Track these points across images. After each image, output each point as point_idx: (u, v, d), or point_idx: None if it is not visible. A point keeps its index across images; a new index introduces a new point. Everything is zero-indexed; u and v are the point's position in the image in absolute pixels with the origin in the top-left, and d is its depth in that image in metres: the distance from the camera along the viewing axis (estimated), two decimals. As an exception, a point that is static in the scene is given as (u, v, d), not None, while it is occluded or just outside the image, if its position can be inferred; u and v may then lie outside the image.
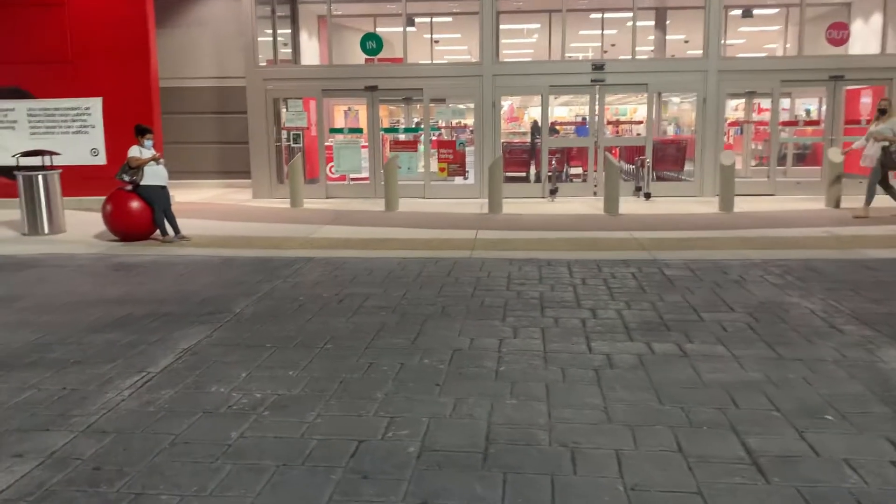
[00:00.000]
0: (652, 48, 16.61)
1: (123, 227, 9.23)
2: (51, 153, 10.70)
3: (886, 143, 10.38)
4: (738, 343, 4.82)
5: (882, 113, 10.68)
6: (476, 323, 5.37)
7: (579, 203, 12.91)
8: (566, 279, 6.82)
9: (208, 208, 12.69)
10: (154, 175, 9.22)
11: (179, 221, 9.49)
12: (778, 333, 5.01)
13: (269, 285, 6.71)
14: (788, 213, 11.36)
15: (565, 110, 27.90)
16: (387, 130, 15.25)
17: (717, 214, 11.33)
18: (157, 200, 9.20)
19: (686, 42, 22.91)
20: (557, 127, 23.59)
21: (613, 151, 14.65)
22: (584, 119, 27.04)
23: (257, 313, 5.72)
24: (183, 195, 14.63)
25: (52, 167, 10.32)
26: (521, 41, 21.30)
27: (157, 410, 3.81)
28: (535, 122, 23.80)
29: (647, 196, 13.11)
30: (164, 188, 9.34)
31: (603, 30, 15.97)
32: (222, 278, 7.07)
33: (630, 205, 12.34)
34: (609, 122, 19.91)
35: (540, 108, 27.68)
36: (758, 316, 5.48)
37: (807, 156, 17.25)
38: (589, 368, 4.37)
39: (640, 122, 16.41)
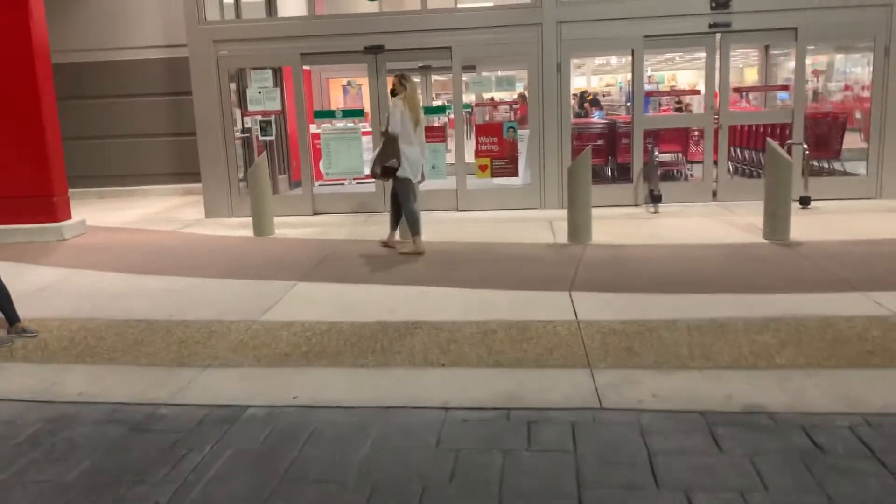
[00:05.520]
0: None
1: None
2: None
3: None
4: None
5: (394, 95, 6.83)
6: None
7: (703, 216, 8.29)
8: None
9: (126, 241, 8.20)
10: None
11: (59, 272, 5.12)
12: None
13: None
14: None
15: (583, 80, 22.52)
16: (399, 111, 10.63)
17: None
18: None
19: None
20: (599, 100, 18.75)
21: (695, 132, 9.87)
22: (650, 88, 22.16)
23: None
24: (110, 212, 10.23)
25: None
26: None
27: None
28: (584, 94, 19.02)
29: (805, 202, 8.46)
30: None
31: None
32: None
33: (787, 219, 7.69)
34: (672, 95, 14.90)
35: (586, 76, 22.92)
36: None
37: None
38: None
39: (781, 88, 11.83)
